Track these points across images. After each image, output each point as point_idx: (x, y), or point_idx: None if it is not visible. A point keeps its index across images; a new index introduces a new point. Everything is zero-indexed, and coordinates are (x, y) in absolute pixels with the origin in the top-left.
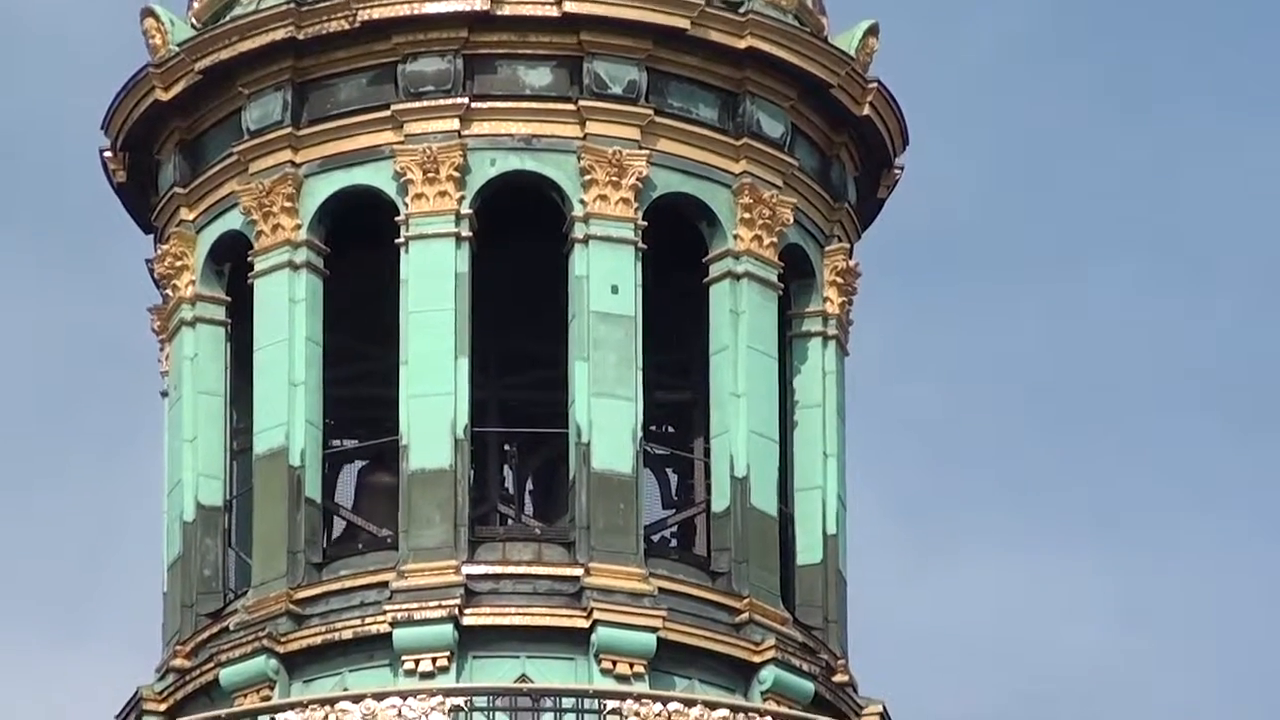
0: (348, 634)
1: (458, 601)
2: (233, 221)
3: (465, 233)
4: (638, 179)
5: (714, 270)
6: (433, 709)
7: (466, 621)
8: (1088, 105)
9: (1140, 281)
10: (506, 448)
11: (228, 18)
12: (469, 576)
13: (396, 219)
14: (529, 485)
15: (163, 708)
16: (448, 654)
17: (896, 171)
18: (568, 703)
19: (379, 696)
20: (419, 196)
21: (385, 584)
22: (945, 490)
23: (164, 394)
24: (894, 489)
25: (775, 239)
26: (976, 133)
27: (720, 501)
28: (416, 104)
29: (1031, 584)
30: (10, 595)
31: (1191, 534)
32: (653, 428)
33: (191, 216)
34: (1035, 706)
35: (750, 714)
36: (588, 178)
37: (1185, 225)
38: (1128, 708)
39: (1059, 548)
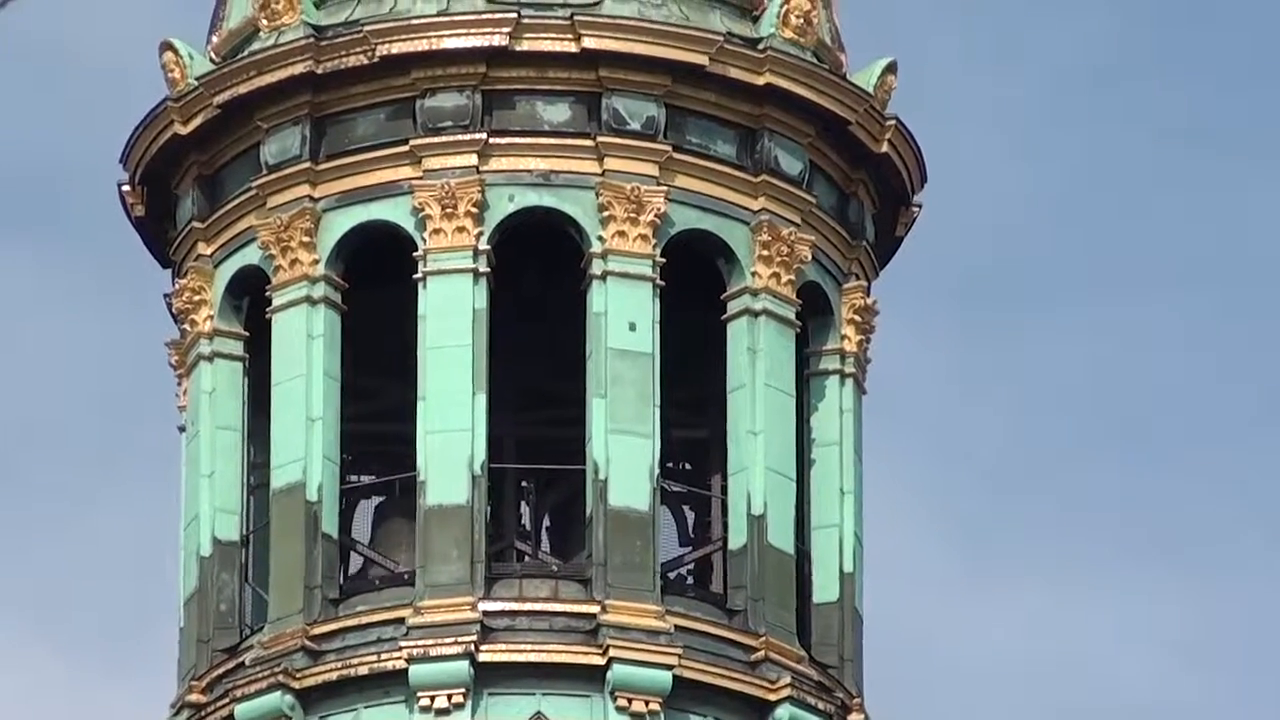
0: (364, 670)
1: (474, 638)
2: (251, 256)
3: (483, 269)
4: (656, 215)
5: (732, 307)
6: None
7: (482, 658)
8: (1119, 134)
9: (1200, 305)
10: (524, 484)
11: (246, 52)
12: (485, 613)
13: (414, 254)
14: (546, 522)
15: None
16: (463, 690)
17: (915, 209)
18: None
19: None
20: (437, 232)
21: (401, 620)
22: (1002, 518)
23: (181, 429)
24: (950, 517)
25: (793, 276)
26: (1035, 154)
27: (737, 539)
28: (435, 139)
29: (1088, 613)
30: (56, 625)
31: (1254, 562)
32: (670, 465)
33: (209, 251)
34: None
35: None
36: (606, 214)
37: (1244, 248)
38: None
39: (1117, 576)
